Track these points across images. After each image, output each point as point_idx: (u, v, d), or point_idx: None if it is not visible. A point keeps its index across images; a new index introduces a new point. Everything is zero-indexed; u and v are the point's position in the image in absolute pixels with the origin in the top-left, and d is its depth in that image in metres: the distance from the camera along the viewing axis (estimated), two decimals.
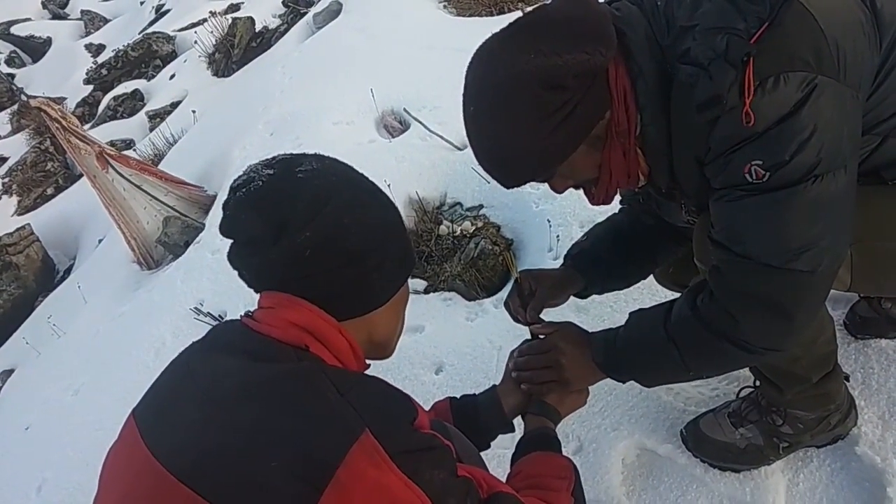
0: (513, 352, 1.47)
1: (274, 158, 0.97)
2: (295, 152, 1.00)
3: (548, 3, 1.10)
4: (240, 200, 0.91)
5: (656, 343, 1.23)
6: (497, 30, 1.11)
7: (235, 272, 0.99)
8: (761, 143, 1.01)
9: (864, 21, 1.08)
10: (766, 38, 0.98)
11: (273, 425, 0.78)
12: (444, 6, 4.68)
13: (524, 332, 2.05)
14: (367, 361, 1.02)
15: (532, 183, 1.18)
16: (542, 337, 1.44)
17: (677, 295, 1.32)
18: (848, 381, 1.55)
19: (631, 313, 1.33)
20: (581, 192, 1.26)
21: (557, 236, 2.35)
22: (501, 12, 4.34)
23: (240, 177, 0.94)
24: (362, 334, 0.97)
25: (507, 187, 1.18)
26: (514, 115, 1.05)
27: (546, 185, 1.21)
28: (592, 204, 1.26)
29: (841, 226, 1.09)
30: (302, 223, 0.89)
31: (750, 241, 1.08)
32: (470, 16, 4.47)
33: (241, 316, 0.97)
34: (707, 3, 1.05)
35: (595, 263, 1.55)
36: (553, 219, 2.42)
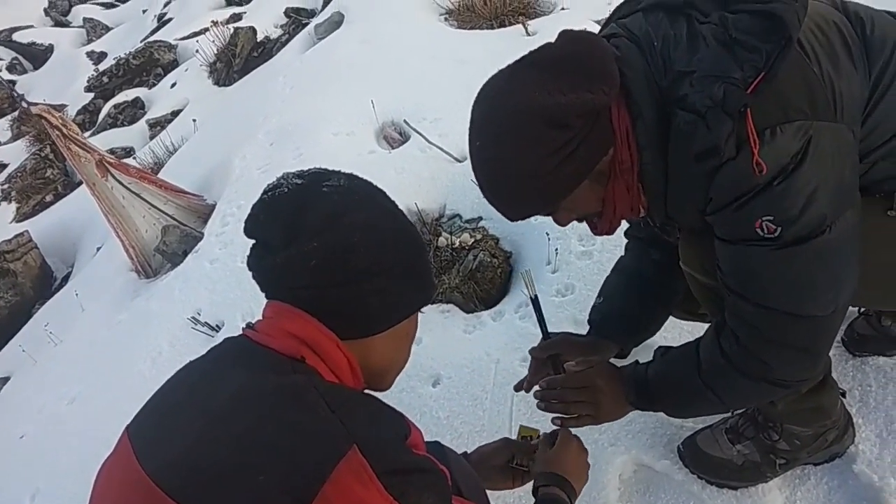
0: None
1: (307, 170, 1.00)
2: (325, 168, 1.03)
3: (552, 42, 1.12)
4: (263, 202, 0.95)
5: (692, 389, 1.27)
6: (503, 66, 1.14)
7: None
8: (768, 197, 1.03)
9: (856, 56, 1.10)
10: (763, 89, 1.00)
11: (262, 440, 0.78)
12: (446, 19, 4.70)
13: (522, 346, 2.05)
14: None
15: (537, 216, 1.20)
16: (574, 369, 1.45)
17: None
18: (845, 397, 1.55)
19: (656, 353, 1.37)
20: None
21: (556, 249, 2.35)
22: (502, 25, 4.36)
23: (272, 182, 0.97)
24: (356, 357, 0.96)
25: (512, 220, 1.20)
26: (519, 151, 1.07)
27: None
28: (595, 234, 1.28)
29: (855, 260, 1.12)
30: (312, 233, 0.91)
31: (771, 293, 1.11)
32: (470, 28, 4.48)
33: (242, 329, 0.97)
34: (704, 49, 1.06)
35: (620, 326, 1.59)
36: (552, 232, 2.42)
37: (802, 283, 1.09)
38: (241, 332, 0.97)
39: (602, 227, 1.24)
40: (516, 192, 1.13)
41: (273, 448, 0.77)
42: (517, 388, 1.58)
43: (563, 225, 1.25)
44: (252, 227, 0.96)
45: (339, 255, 0.91)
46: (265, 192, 0.96)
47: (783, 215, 1.03)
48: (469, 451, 1.46)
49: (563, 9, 4.35)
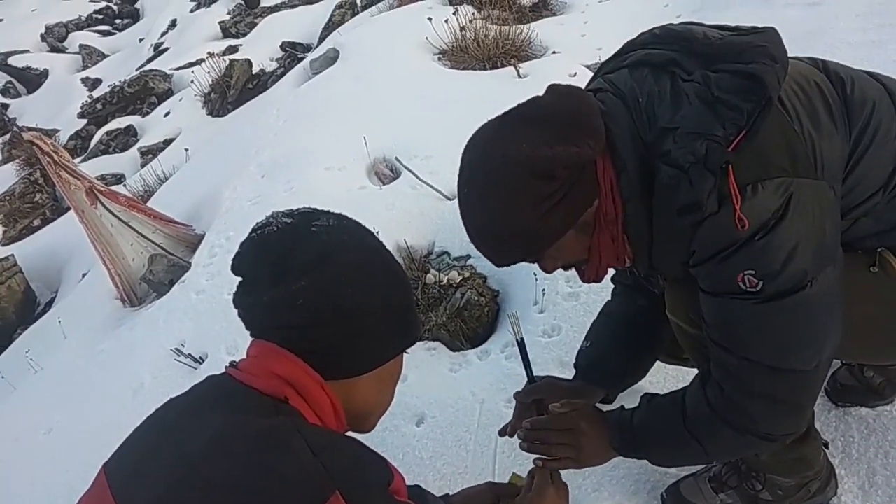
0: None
1: (297, 209, 1.01)
2: (317, 207, 1.03)
3: (540, 95, 1.15)
4: (252, 241, 0.96)
5: (678, 438, 1.27)
6: (494, 107, 1.17)
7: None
8: (750, 251, 1.05)
9: (836, 115, 1.13)
10: (744, 147, 1.03)
11: (242, 485, 0.77)
12: (439, 59, 4.77)
13: (507, 387, 2.05)
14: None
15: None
16: (559, 411, 1.45)
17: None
18: (828, 448, 1.55)
19: (642, 399, 1.36)
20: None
21: (543, 290, 2.36)
22: (494, 67, 4.43)
23: (261, 220, 0.98)
24: (339, 398, 0.96)
25: (497, 266, 1.22)
26: (506, 200, 1.10)
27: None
28: (584, 281, 1.30)
29: (837, 316, 1.13)
30: (300, 272, 0.91)
31: (753, 346, 1.12)
32: (463, 69, 4.56)
33: (225, 367, 0.97)
34: (687, 106, 1.08)
35: (607, 372, 1.59)
36: (539, 272, 2.42)
37: (785, 337, 1.10)
38: (224, 369, 0.97)
39: (589, 274, 1.26)
40: (502, 239, 1.15)
41: (253, 495, 0.76)
42: (501, 433, 1.57)
43: (549, 272, 1.27)
44: (240, 264, 0.97)
45: (327, 295, 0.91)
46: (254, 230, 0.97)
47: (765, 270, 1.05)
48: (451, 494, 1.45)
49: (554, 52, 4.44)
